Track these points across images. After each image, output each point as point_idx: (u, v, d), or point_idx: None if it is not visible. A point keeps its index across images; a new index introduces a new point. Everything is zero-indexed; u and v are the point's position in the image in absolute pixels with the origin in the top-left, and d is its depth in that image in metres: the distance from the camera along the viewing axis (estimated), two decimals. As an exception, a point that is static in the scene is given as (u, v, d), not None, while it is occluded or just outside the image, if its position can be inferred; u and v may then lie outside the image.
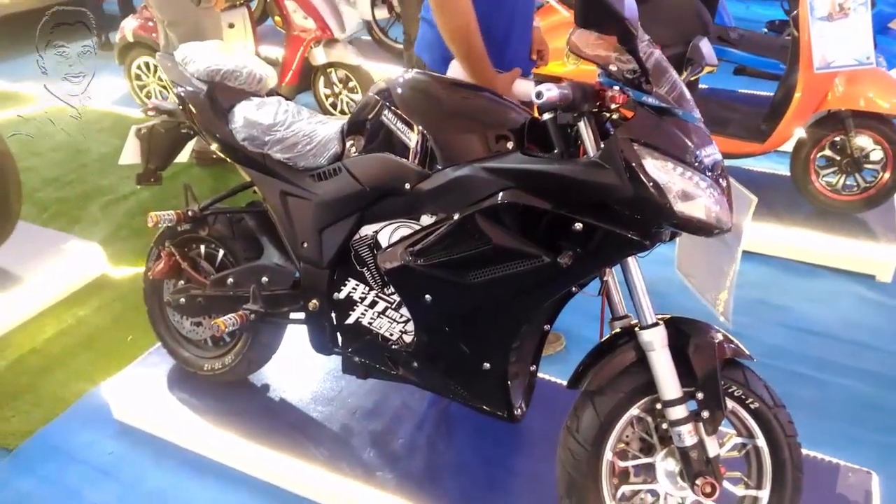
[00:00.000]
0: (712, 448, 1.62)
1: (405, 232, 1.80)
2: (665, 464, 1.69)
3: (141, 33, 4.62)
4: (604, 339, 1.74)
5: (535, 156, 1.62)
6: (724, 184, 1.54)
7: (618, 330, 1.72)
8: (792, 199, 3.50)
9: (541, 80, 1.82)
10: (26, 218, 3.63)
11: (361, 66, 4.57)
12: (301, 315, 2.05)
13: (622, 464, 1.72)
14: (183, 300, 2.24)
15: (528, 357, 1.87)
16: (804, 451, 2.11)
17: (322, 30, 4.52)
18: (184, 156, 2.45)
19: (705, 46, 1.82)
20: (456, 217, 1.65)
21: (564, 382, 1.78)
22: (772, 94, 3.57)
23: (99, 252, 3.25)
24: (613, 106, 1.50)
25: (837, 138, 3.28)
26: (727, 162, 3.82)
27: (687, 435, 1.60)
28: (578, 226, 1.53)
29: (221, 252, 2.27)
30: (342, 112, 4.70)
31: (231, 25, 4.81)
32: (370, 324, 1.94)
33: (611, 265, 1.65)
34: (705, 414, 1.60)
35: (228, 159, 2.10)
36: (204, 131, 2.09)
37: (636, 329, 1.63)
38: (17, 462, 2.30)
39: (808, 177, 3.36)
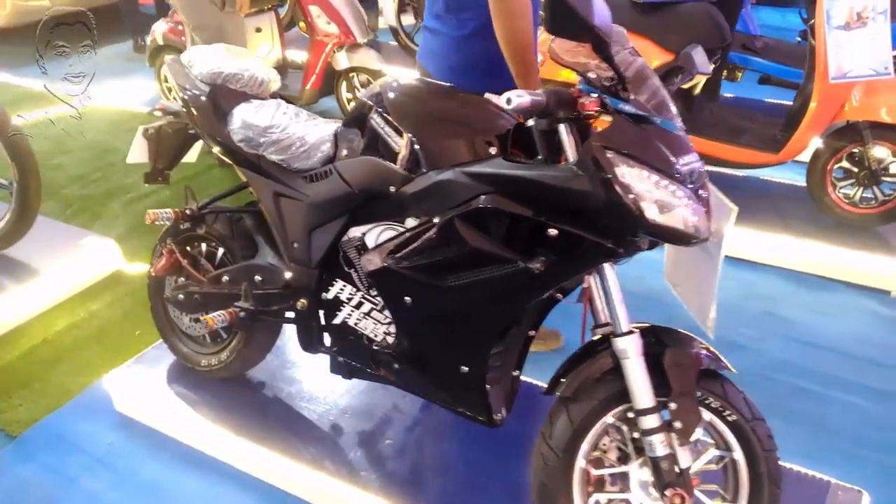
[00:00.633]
0: (684, 459, 1.60)
1: (390, 234, 1.82)
2: (639, 473, 1.68)
3: (171, 36, 4.73)
4: (582, 345, 1.73)
5: (517, 161, 1.63)
6: (703, 193, 1.53)
7: (597, 337, 1.71)
8: (807, 211, 3.43)
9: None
10: (50, 214, 3.76)
11: (383, 70, 4.61)
12: (291, 314, 2.08)
13: (596, 472, 1.71)
14: (181, 296, 2.29)
15: (512, 362, 1.87)
16: (795, 467, 2.11)
17: (345, 35, 4.57)
18: (192, 156, 2.51)
19: (698, 55, 1.80)
20: (436, 220, 1.67)
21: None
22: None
23: (115, 248, 3.34)
24: (586, 113, 1.49)
25: (855, 150, 3.21)
26: (741, 172, 3.84)
27: (659, 445, 1.59)
28: (553, 232, 1.53)
29: (221, 251, 2.32)
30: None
31: (258, 30, 4.90)
32: (356, 324, 1.97)
33: (585, 272, 1.64)
34: (678, 425, 1.58)
35: (228, 161, 2.15)
36: (204, 133, 2.14)
37: (612, 337, 1.63)
38: (19, 449, 2.38)
39: (825, 188, 3.30)
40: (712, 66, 3.44)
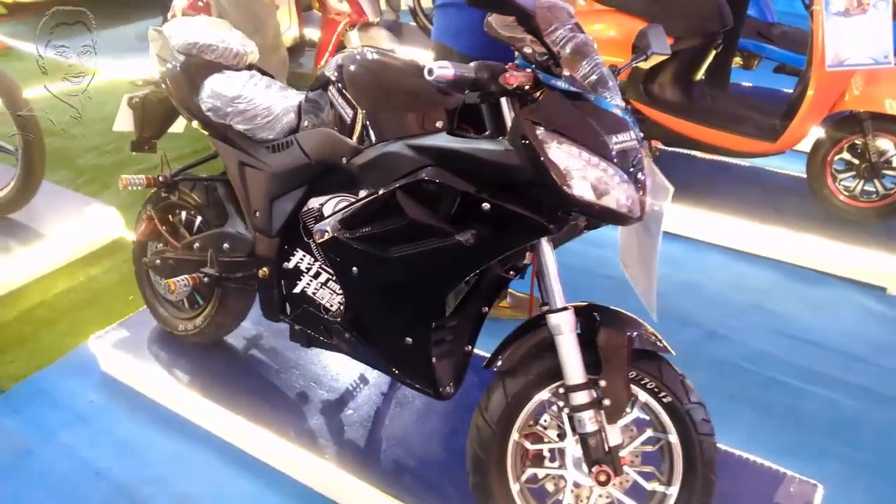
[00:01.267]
0: (614, 437, 1.61)
1: (345, 206, 1.85)
2: (574, 450, 1.69)
3: (190, 12, 4.82)
4: (523, 322, 1.74)
5: (461, 136, 1.64)
6: (636, 171, 1.52)
7: (539, 314, 1.72)
8: (805, 204, 3.36)
9: None
10: (62, 182, 3.89)
11: (395, 50, 4.63)
12: (254, 283, 2.14)
13: (531, 447, 1.73)
14: (158, 261, 2.37)
15: (464, 337, 1.88)
16: (752, 457, 2.10)
17: (357, 14, 4.61)
18: (178, 126, 2.57)
19: (654, 35, 1.79)
20: (381, 192, 1.69)
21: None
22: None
23: (117, 217, 3.45)
24: (515, 87, 1.48)
25: (857, 141, 3.13)
26: (740, 162, 3.76)
27: (588, 421, 1.59)
28: (486, 206, 1.55)
29: (199, 219, 2.38)
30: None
31: (276, 7, 4.96)
32: (314, 294, 2.01)
33: (521, 248, 1.64)
34: (607, 402, 1.59)
35: (200, 130, 2.20)
36: (176, 102, 2.19)
37: (547, 313, 1.64)
38: (6, 402, 2.48)
39: (825, 180, 3.23)
40: (714, 51, 3.39)
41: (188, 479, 2.17)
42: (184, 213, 2.43)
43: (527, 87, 1.49)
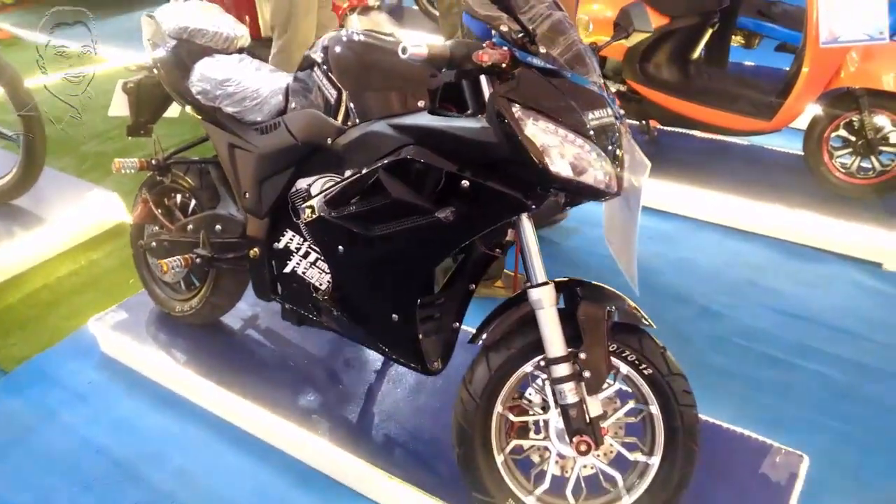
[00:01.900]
0: (594, 408, 1.64)
1: (331, 185, 1.88)
2: (557, 421, 1.72)
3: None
4: (507, 298, 1.77)
5: (442, 114, 1.66)
6: (614, 147, 1.54)
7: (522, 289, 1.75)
8: (801, 181, 3.36)
9: None
10: (66, 169, 3.94)
11: (395, 33, 4.63)
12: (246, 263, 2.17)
13: (515, 419, 1.76)
14: (154, 244, 2.41)
15: (451, 314, 1.91)
16: (739, 429, 2.12)
17: (357, -3, 4.60)
18: (174, 111, 2.60)
19: (636, 11, 1.80)
20: (364, 172, 1.72)
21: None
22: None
23: (119, 202, 3.49)
24: (491, 65, 1.49)
25: (854, 118, 3.12)
26: (737, 140, 3.75)
27: (569, 393, 1.62)
28: (465, 183, 1.57)
29: (193, 201, 2.42)
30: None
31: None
32: (303, 273, 2.04)
33: (501, 225, 1.66)
34: (587, 374, 1.61)
35: (192, 114, 2.23)
36: (168, 86, 2.22)
37: (528, 288, 1.66)
38: (8, 383, 2.54)
39: (821, 157, 3.22)
40: (710, 29, 3.38)
41: (185, 454, 2.22)
42: (178, 196, 2.46)
43: (504, 65, 1.50)
